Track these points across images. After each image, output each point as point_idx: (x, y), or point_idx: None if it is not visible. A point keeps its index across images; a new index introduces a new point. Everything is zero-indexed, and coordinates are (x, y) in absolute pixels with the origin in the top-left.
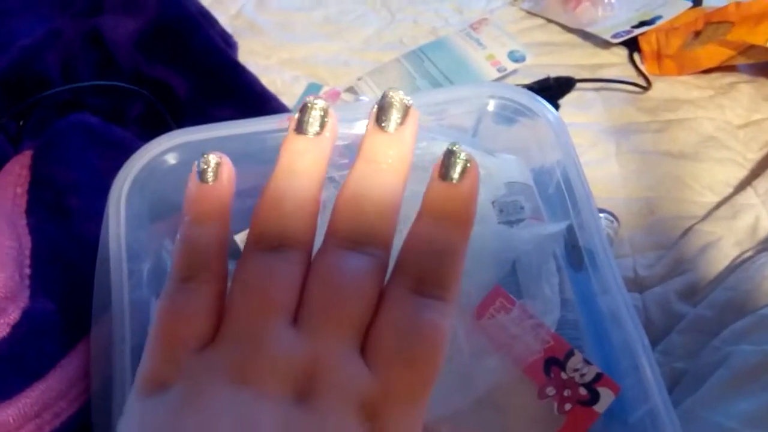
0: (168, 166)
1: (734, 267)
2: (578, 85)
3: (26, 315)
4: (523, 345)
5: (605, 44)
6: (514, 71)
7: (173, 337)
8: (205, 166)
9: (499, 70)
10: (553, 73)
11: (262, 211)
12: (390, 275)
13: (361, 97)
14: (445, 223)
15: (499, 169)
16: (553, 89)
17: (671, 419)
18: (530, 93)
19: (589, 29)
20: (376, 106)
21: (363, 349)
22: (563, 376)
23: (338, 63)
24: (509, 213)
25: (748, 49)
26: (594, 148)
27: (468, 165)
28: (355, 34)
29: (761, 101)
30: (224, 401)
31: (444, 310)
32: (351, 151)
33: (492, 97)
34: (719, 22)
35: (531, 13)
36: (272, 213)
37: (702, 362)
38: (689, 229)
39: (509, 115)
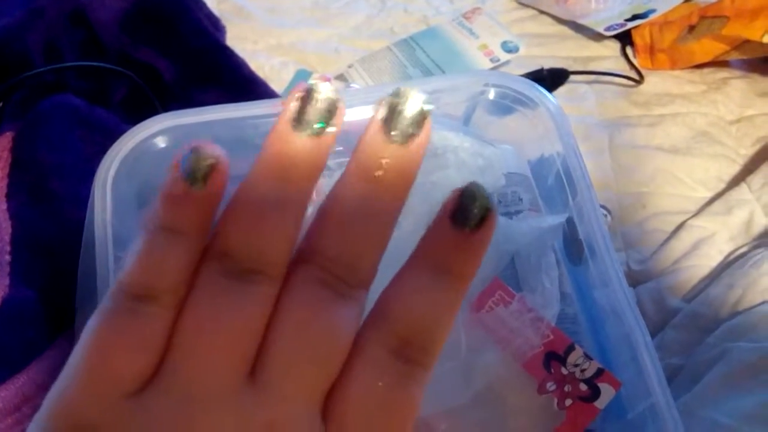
0: (157, 150)
1: (729, 263)
2: (571, 77)
3: (6, 304)
4: (522, 339)
5: (598, 37)
6: (507, 62)
7: (108, 372)
8: (196, 166)
9: (492, 61)
10: (546, 64)
11: (236, 221)
12: (366, 321)
13: (351, 85)
14: (446, 278)
15: (498, 159)
16: (547, 81)
17: (672, 416)
18: (530, 81)
19: (581, 21)
20: (384, 106)
21: (325, 410)
22: (563, 371)
23: (328, 50)
24: (507, 204)
25: (742, 45)
26: (586, 141)
27: (488, 212)
28: (345, 20)
29: (754, 97)
30: None
31: (423, 378)
32: (343, 138)
33: (491, 85)
34: (714, 17)
35: (523, 4)
36: (248, 227)
37: (697, 359)
38: (682, 224)
39: (508, 104)
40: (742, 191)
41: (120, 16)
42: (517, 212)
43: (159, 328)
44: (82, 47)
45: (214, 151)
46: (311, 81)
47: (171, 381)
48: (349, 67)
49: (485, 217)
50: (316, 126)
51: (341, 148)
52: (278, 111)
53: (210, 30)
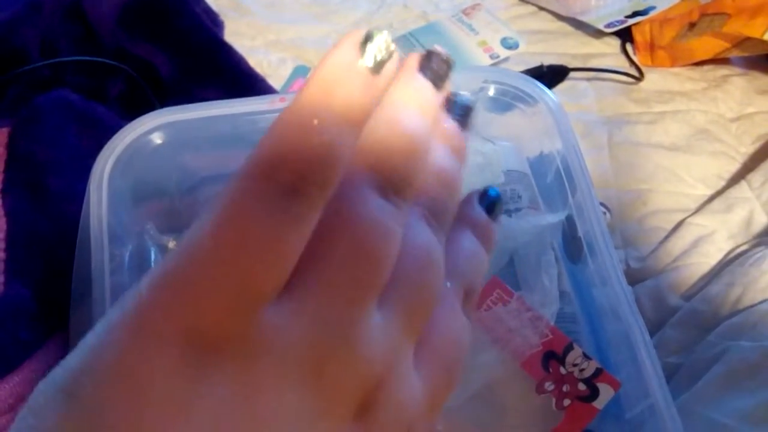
0: (153, 147)
1: (728, 261)
2: (570, 74)
3: (0, 302)
4: (521, 338)
5: (598, 33)
6: (507, 58)
7: (251, 277)
8: (386, 51)
9: (491, 57)
10: (545, 61)
11: (379, 141)
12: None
13: None
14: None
15: (497, 156)
16: (546, 78)
17: (672, 416)
18: (529, 78)
19: (581, 18)
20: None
21: (416, 349)
22: (562, 371)
23: (327, 45)
24: (507, 202)
25: (742, 42)
26: (586, 138)
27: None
28: (344, 16)
29: (754, 95)
30: (286, 410)
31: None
32: None
33: (491, 82)
34: (715, 14)
35: (523, 0)
36: (399, 139)
37: (697, 357)
38: (682, 222)
39: (508, 100)
40: (742, 189)
41: (117, 11)
42: (517, 210)
43: (306, 229)
44: (79, 42)
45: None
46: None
47: (308, 298)
48: None
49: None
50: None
51: None
52: (276, 107)
53: (208, 25)
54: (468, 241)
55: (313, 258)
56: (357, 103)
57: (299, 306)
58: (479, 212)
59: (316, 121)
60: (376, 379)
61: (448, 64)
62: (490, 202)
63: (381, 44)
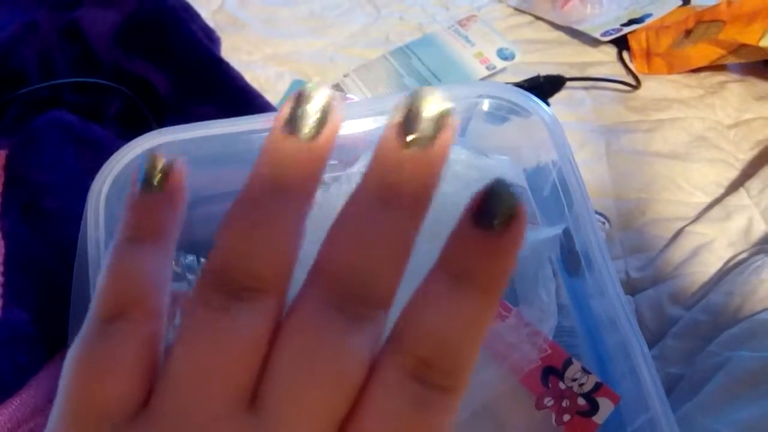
0: None
1: (728, 270)
2: (567, 83)
3: None
4: (519, 354)
5: (594, 42)
6: (503, 69)
7: (92, 402)
8: (152, 170)
9: (488, 68)
10: (542, 71)
11: (228, 237)
12: (385, 344)
13: (347, 95)
14: (469, 287)
15: (493, 170)
16: (543, 88)
17: (672, 429)
18: (523, 92)
19: (577, 27)
20: (401, 108)
21: None
22: (561, 386)
23: (323, 59)
24: None
25: (739, 48)
26: (584, 147)
27: (516, 211)
28: (341, 29)
29: (751, 101)
30: None
31: (449, 405)
32: (339, 151)
33: (485, 96)
34: (711, 21)
35: (519, 10)
36: (241, 242)
37: (698, 368)
38: (681, 230)
39: (503, 114)
40: (741, 197)
41: (114, 30)
42: None
43: (133, 347)
44: (76, 61)
45: (169, 157)
46: (303, 86)
47: (162, 410)
48: (345, 76)
49: (512, 216)
50: (310, 130)
51: (335, 162)
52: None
53: (204, 42)
54: (433, 289)
55: (159, 378)
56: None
57: (150, 424)
58: (467, 233)
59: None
60: None
61: (316, 109)
62: (492, 209)
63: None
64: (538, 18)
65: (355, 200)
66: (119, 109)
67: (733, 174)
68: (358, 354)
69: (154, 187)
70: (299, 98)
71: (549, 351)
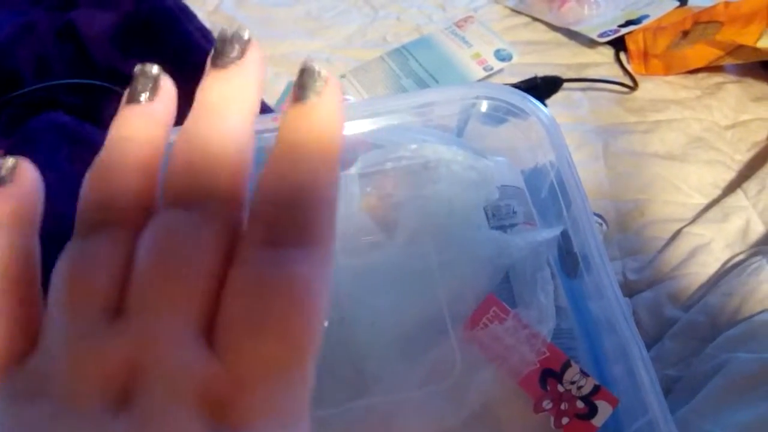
0: None
1: (726, 271)
2: (565, 84)
3: None
4: (518, 356)
5: (591, 43)
6: (501, 70)
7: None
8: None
9: (485, 69)
10: (539, 72)
11: (85, 191)
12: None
13: (344, 97)
14: (302, 152)
15: (491, 172)
16: (541, 89)
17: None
18: (521, 93)
19: (575, 28)
20: (213, 49)
21: (212, 336)
22: (560, 388)
23: (320, 60)
24: (501, 218)
25: (736, 50)
26: (581, 148)
27: (326, 81)
28: (338, 30)
29: (748, 102)
30: (35, 418)
31: (310, 257)
32: None
33: (483, 97)
34: (708, 22)
35: (516, 11)
36: (94, 191)
37: (695, 370)
38: (678, 231)
39: (501, 116)
40: (738, 198)
41: (110, 31)
42: (512, 225)
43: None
44: (72, 62)
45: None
46: (137, 66)
47: (43, 343)
48: (342, 77)
49: (324, 85)
50: (145, 96)
51: None
52: (270, 126)
53: (201, 43)
54: (273, 165)
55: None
56: None
57: (37, 352)
58: (291, 114)
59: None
60: (128, 372)
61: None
62: (305, 86)
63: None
64: (535, 19)
65: (189, 118)
66: (115, 110)
67: (730, 175)
68: (215, 238)
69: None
70: (134, 76)
71: (547, 353)
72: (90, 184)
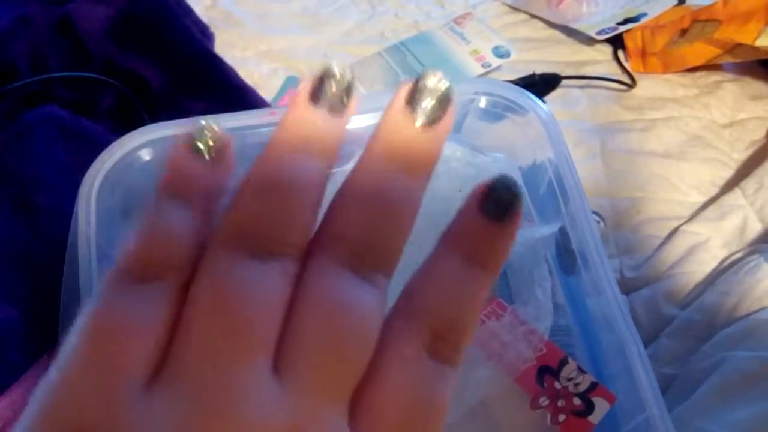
0: (142, 163)
1: (723, 269)
2: (563, 82)
3: None
4: (515, 353)
5: (589, 41)
6: (499, 67)
7: (112, 362)
8: (206, 137)
9: (483, 66)
10: (537, 69)
11: (247, 199)
12: (395, 313)
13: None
14: (477, 269)
15: (489, 168)
16: (539, 86)
17: (668, 430)
18: (520, 89)
19: (573, 25)
20: (406, 87)
21: (352, 411)
22: (557, 385)
23: (318, 56)
24: None
25: (734, 48)
26: (579, 146)
27: (517, 203)
28: (335, 26)
29: (746, 100)
30: None
31: (454, 378)
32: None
33: (481, 93)
34: (706, 20)
35: (514, 8)
36: (261, 203)
37: (692, 368)
38: (676, 229)
39: (499, 112)
40: (736, 196)
41: (106, 25)
42: None
43: (167, 311)
44: (68, 56)
45: (222, 129)
46: (327, 63)
47: (181, 372)
48: None
49: (514, 208)
50: (335, 102)
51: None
52: (267, 121)
53: (198, 37)
54: (445, 268)
55: (178, 335)
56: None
57: (169, 383)
58: (476, 220)
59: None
60: None
61: (341, 84)
62: (498, 201)
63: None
64: (533, 16)
65: (360, 169)
66: (111, 104)
67: (728, 173)
68: (375, 316)
69: (207, 153)
70: (326, 75)
71: (544, 350)
72: (264, 191)
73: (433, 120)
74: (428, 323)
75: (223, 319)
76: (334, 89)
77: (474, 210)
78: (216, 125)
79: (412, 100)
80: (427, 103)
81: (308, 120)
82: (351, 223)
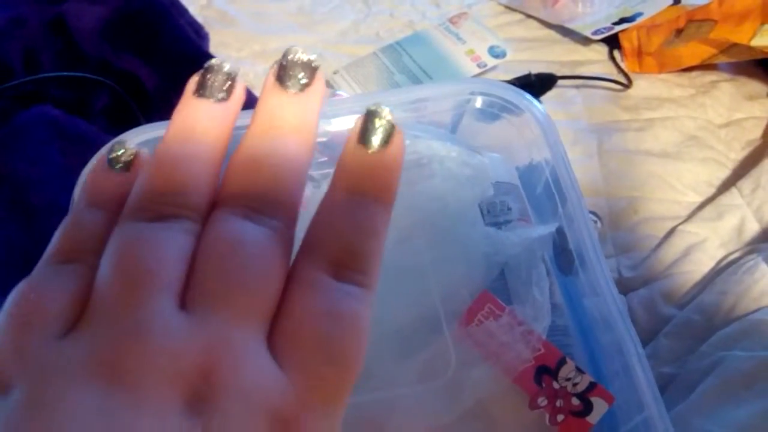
0: None
1: (721, 269)
2: (559, 82)
3: None
4: (513, 353)
5: (585, 41)
6: (495, 67)
7: (25, 322)
8: (119, 154)
9: (479, 66)
10: (533, 69)
11: (147, 177)
12: (298, 254)
13: (337, 92)
14: (364, 196)
15: (486, 168)
16: (535, 86)
17: (666, 430)
18: (516, 89)
19: (568, 25)
20: (276, 65)
21: (270, 343)
22: (555, 385)
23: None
24: (496, 214)
25: (730, 48)
26: (575, 146)
27: (393, 131)
28: (331, 26)
29: (742, 100)
30: (85, 409)
31: (365, 298)
32: (329, 148)
33: (477, 93)
34: (702, 20)
35: (510, 8)
36: (159, 179)
37: (690, 367)
38: (673, 229)
39: (495, 112)
40: (733, 196)
41: (100, 25)
42: (507, 222)
43: (82, 283)
44: (62, 56)
45: (137, 147)
46: (211, 60)
47: (91, 319)
48: (335, 73)
49: (390, 134)
50: (219, 94)
51: (325, 159)
52: None
53: (192, 37)
54: (333, 201)
55: (92, 293)
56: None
57: (81, 329)
58: (354, 152)
59: None
60: (198, 371)
61: (221, 77)
62: (370, 129)
63: None
64: (528, 16)
65: (250, 132)
66: (106, 104)
67: (724, 173)
68: (271, 251)
69: (119, 166)
70: (207, 69)
71: (542, 350)
72: (158, 169)
73: (303, 87)
74: (327, 254)
75: (128, 269)
76: (215, 81)
77: (352, 142)
78: (127, 141)
79: (281, 74)
80: (295, 72)
81: (193, 109)
82: (238, 180)
